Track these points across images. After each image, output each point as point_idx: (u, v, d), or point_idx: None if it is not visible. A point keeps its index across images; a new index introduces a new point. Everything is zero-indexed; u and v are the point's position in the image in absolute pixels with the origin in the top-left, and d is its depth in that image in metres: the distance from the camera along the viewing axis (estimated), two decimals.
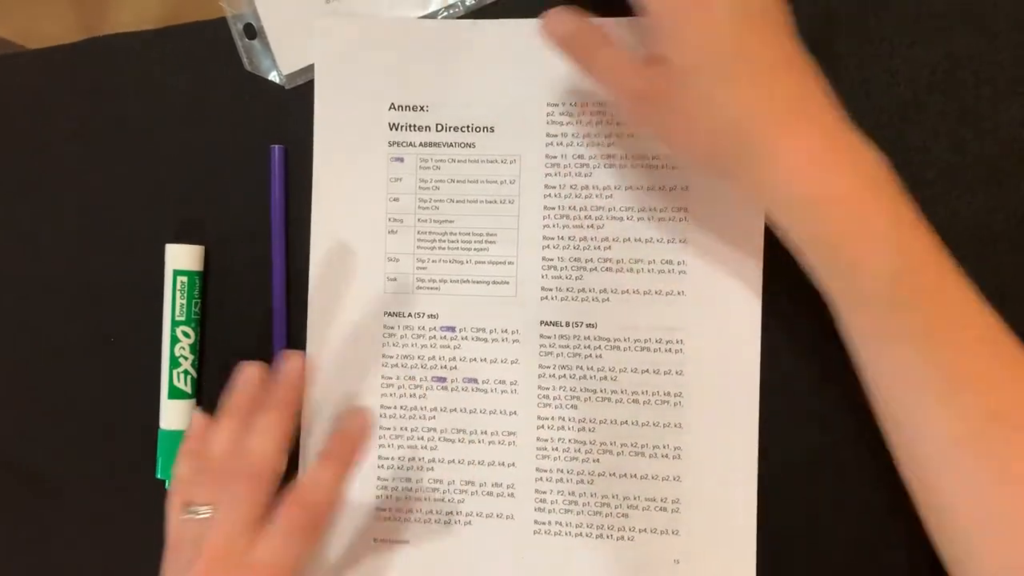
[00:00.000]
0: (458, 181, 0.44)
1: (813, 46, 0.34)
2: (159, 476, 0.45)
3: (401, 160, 0.44)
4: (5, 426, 0.48)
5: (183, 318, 0.45)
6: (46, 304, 0.47)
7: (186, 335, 0.45)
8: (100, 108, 0.47)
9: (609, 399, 0.42)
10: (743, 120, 0.33)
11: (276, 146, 0.44)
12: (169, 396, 0.45)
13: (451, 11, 0.43)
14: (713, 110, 0.33)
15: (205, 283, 0.46)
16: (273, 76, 0.45)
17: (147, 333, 0.46)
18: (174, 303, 0.44)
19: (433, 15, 0.43)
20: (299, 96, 0.45)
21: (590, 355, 0.43)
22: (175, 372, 0.45)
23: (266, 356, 0.44)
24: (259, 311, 0.45)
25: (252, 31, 0.45)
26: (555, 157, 0.43)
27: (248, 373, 0.42)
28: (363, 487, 0.44)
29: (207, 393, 0.46)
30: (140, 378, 0.46)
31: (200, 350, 0.46)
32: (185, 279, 0.45)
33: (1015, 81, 0.40)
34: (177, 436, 0.44)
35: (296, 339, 0.45)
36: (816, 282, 0.34)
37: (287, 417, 0.40)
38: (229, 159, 0.46)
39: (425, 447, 0.44)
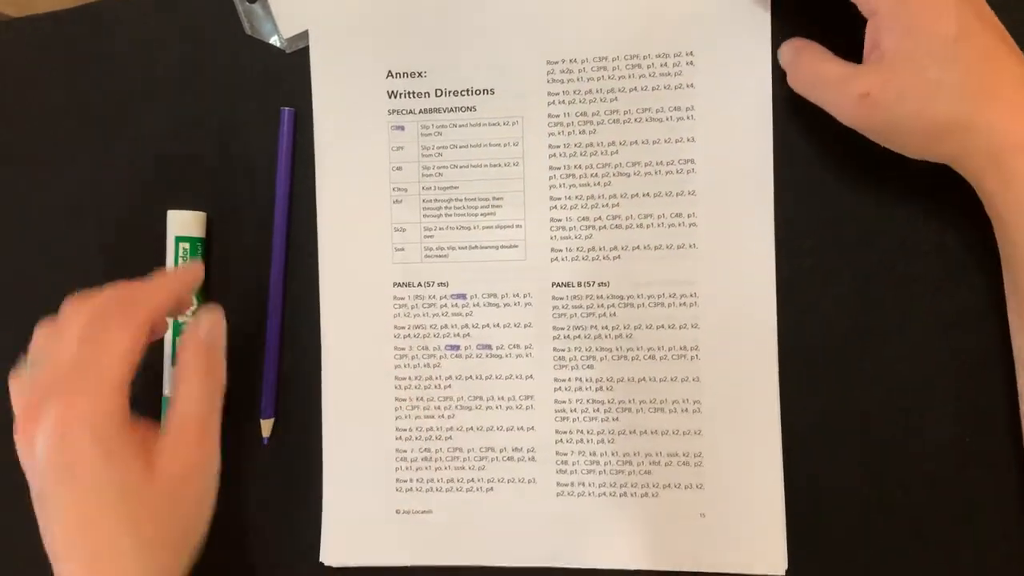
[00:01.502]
0: (461, 146, 0.43)
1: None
2: None
3: (402, 128, 0.43)
4: (7, 399, 0.47)
5: None
6: (46, 274, 0.47)
7: (194, 299, 0.44)
8: (98, 75, 0.46)
9: (625, 357, 0.42)
10: (975, 102, 0.33)
11: (286, 109, 0.44)
12: (173, 363, 0.44)
13: None
14: (943, 96, 0.33)
15: (208, 250, 0.45)
16: (274, 40, 0.44)
17: None
18: None
19: None
20: (301, 60, 0.44)
21: (604, 314, 0.42)
22: (178, 339, 0.44)
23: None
24: (262, 277, 0.45)
25: None
26: (558, 116, 0.42)
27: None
28: (382, 459, 0.44)
29: None
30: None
31: None
32: (187, 245, 0.44)
33: None
34: None
35: (300, 306, 0.44)
36: (1018, 254, 0.35)
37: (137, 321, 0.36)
38: (230, 125, 0.45)
39: (443, 416, 0.43)
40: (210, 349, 0.39)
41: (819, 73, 0.37)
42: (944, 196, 0.37)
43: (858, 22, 0.36)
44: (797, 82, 0.38)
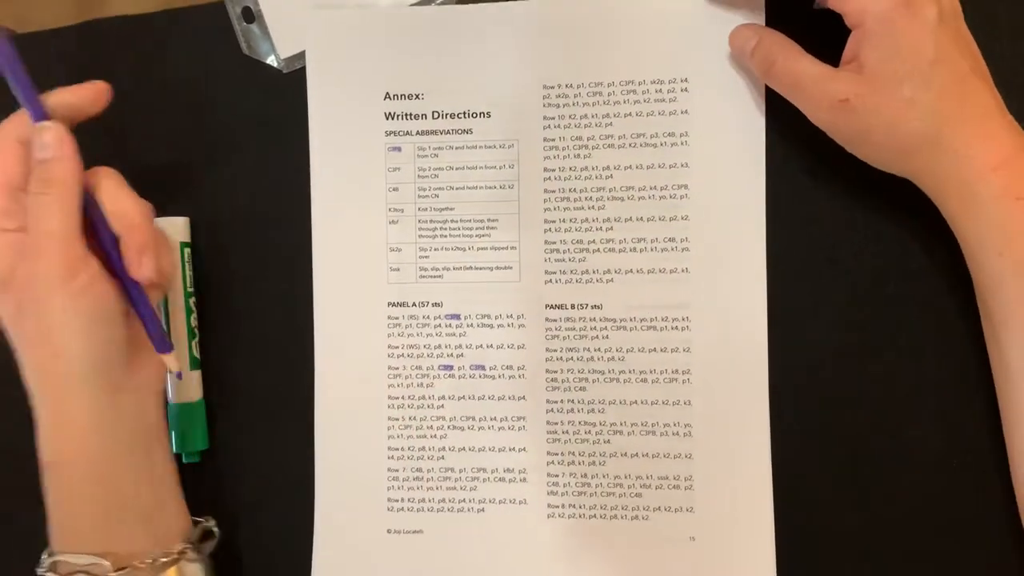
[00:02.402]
0: (457, 168, 0.43)
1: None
2: (175, 451, 0.44)
3: (399, 149, 0.44)
4: (4, 415, 0.47)
5: (192, 289, 0.45)
6: None
7: (196, 305, 0.45)
8: None
9: (617, 379, 0.42)
10: (944, 124, 0.35)
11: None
12: (191, 367, 0.45)
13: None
14: (915, 115, 0.35)
15: (196, 255, 0.46)
16: (271, 60, 0.45)
17: None
18: (184, 275, 0.45)
19: (426, 1, 0.43)
20: (298, 80, 0.44)
21: (597, 336, 0.42)
22: (193, 343, 0.45)
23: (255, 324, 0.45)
24: (241, 286, 0.45)
25: (250, 15, 0.45)
26: (553, 140, 0.43)
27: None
28: (374, 479, 0.44)
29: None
30: None
31: None
32: (189, 251, 0.45)
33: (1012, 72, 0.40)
34: (194, 407, 0.45)
35: (294, 324, 0.45)
36: (981, 273, 0.36)
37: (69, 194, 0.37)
38: (226, 144, 0.45)
39: (435, 436, 0.44)
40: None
41: (798, 72, 0.37)
42: (934, 216, 0.37)
43: (841, 38, 0.37)
44: (774, 78, 0.38)
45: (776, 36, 0.39)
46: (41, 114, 0.38)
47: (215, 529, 0.42)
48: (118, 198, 0.38)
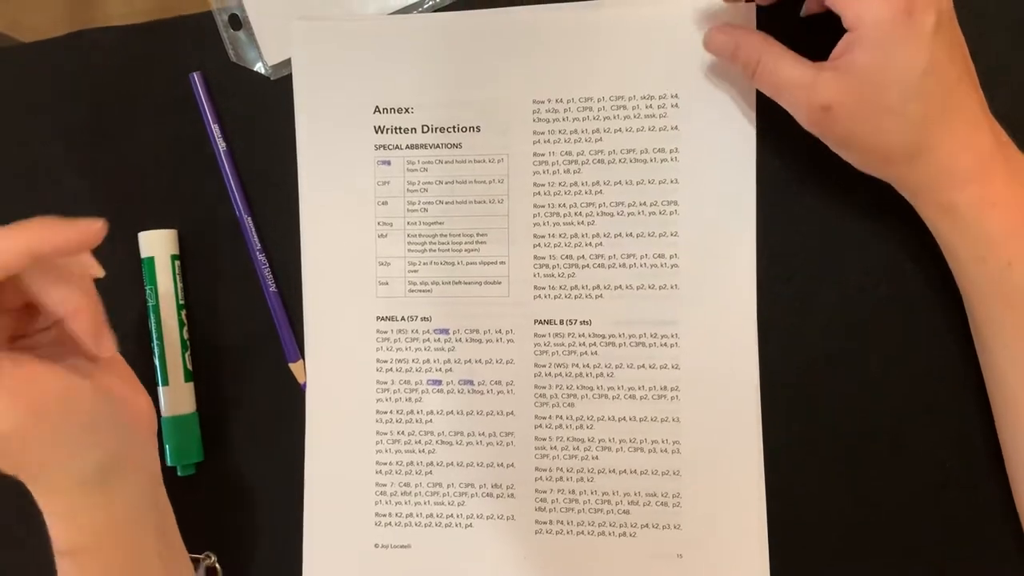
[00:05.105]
0: (446, 182, 0.43)
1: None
2: (170, 464, 0.44)
3: (388, 163, 0.44)
4: None
5: (183, 301, 0.45)
6: None
7: (188, 317, 0.45)
8: (85, 102, 0.46)
9: (606, 395, 0.42)
10: (925, 134, 0.34)
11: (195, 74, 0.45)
12: (185, 380, 0.45)
13: (431, 4, 0.43)
14: (898, 124, 0.35)
15: (185, 267, 0.46)
16: (259, 67, 0.45)
17: (129, 325, 0.46)
18: (176, 287, 0.45)
19: (408, 9, 0.43)
20: (286, 87, 0.44)
21: (585, 352, 0.42)
22: (185, 355, 0.45)
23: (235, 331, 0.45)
24: (234, 296, 0.45)
25: (237, 22, 0.44)
26: (543, 155, 0.42)
27: None
28: (362, 493, 0.44)
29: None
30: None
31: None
32: (179, 263, 0.45)
33: (1001, 69, 0.40)
34: (188, 419, 0.45)
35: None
36: (964, 278, 0.37)
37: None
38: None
39: (423, 451, 0.44)
40: None
41: (781, 77, 0.37)
42: (920, 222, 0.37)
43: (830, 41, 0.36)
44: (757, 81, 0.38)
45: (756, 36, 0.38)
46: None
47: (217, 565, 0.43)
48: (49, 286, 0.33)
